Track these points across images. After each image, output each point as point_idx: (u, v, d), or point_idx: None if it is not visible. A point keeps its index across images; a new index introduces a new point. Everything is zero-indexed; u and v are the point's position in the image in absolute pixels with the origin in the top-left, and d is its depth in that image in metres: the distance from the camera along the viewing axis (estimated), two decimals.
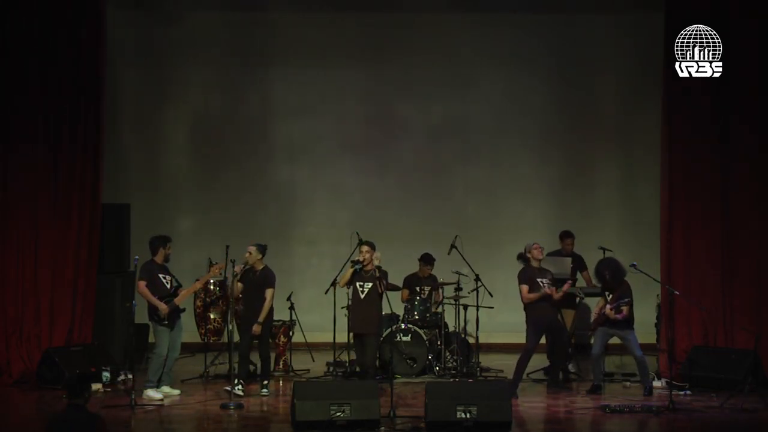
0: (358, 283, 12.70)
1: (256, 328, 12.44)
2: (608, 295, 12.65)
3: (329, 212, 16.39)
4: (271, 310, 12.65)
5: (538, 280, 12.58)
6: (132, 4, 15.97)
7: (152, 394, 12.21)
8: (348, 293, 13.47)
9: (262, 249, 12.64)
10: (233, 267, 12.31)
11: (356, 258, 12.77)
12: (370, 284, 12.62)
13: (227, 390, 12.20)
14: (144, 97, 16.30)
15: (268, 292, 12.52)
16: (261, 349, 12.57)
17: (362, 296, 12.65)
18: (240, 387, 12.28)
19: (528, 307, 12.57)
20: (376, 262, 12.61)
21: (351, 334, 13.02)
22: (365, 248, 12.70)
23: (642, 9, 15.56)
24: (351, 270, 12.67)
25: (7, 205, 13.39)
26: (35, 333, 13.32)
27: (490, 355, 14.57)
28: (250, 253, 12.58)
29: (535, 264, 12.65)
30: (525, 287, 12.51)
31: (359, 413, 10.70)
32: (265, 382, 12.51)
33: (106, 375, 12.92)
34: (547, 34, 16.13)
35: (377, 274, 12.56)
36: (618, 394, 12.62)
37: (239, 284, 12.57)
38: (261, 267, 12.61)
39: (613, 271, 12.63)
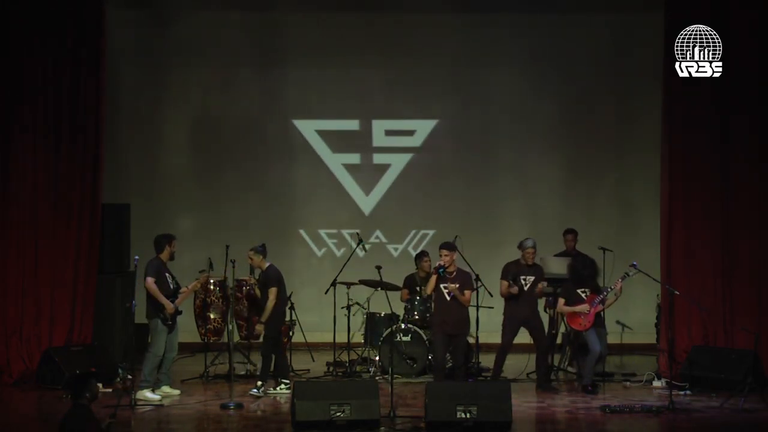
0: (442, 286, 12.40)
1: (259, 328, 12.62)
2: (583, 292, 12.67)
3: (329, 212, 16.37)
4: (281, 309, 12.70)
5: (521, 277, 12.71)
6: (132, 4, 15.95)
7: (148, 394, 12.16)
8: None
9: (261, 250, 12.64)
10: (233, 267, 12.44)
11: (438, 263, 12.37)
12: (456, 285, 12.38)
13: (252, 394, 12.35)
14: (143, 97, 16.27)
15: (272, 292, 12.54)
16: (262, 347, 12.65)
17: (449, 298, 12.38)
18: (261, 389, 12.42)
19: (505, 303, 12.70)
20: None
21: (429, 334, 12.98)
22: (444, 252, 12.37)
23: (642, 9, 15.54)
24: (435, 276, 12.35)
25: (7, 206, 13.38)
26: (35, 333, 13.31)
27: (490, 355, 14.49)
28: (252, 259, 12.64)
29: (523, 262, 12.73)
30: (504, 283, 12.68)
31: (359, 413, 10.71)
32: (259, 383, 12.49)
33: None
34: (547, 35, 16.10)
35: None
36: (618, 394, 12.62)
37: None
38: (265, 267, 12.67)
39: (591, 268, 12.77)
